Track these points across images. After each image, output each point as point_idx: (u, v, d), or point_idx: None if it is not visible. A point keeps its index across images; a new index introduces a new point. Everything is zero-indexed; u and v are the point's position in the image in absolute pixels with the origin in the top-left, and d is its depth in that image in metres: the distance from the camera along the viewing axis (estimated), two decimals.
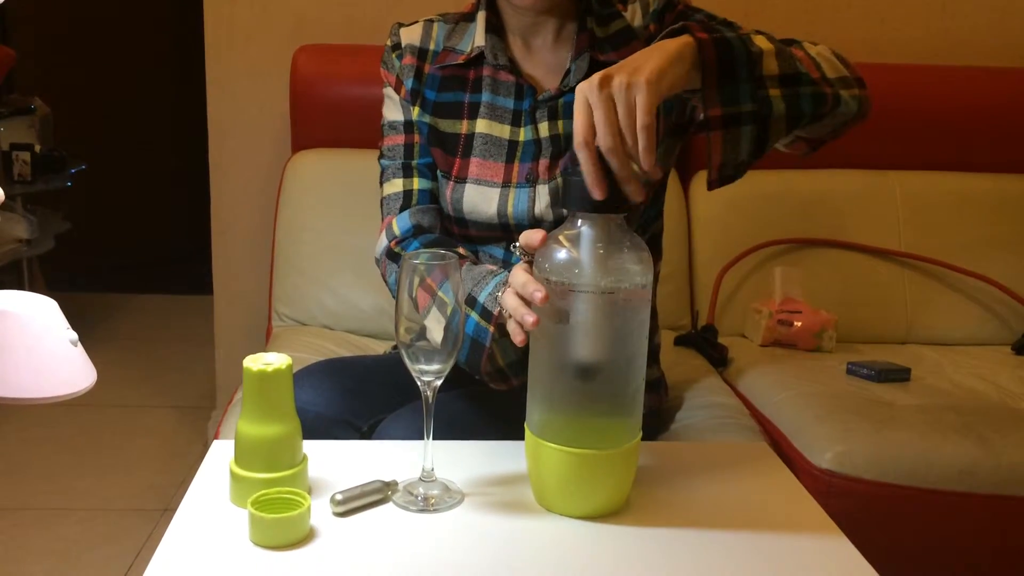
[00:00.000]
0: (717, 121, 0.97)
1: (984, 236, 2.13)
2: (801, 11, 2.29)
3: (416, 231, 1.29)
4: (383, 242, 1.31)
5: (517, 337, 0.98)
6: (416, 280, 0.92)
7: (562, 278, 0.93)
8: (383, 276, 1.33)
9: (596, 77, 0.92)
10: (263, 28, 2.24)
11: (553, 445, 0.95)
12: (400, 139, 1.32)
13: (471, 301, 1.12)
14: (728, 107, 0.97)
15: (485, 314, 1.11)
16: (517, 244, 0.98)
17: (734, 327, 2.07)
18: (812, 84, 1.04)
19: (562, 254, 0.94)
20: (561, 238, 0.95)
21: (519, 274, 0.96)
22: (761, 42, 1.02)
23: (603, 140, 0.90)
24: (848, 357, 1.90)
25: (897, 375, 1.82)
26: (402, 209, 1.30)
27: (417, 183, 1.31)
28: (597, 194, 0.91)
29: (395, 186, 1.31)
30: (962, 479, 1.51)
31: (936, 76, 2.22)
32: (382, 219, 1.33)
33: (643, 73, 0.92)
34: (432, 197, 1.31)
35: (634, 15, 1.29)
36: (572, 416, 0.96)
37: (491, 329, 1.10)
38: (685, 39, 0.97)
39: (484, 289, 1.12)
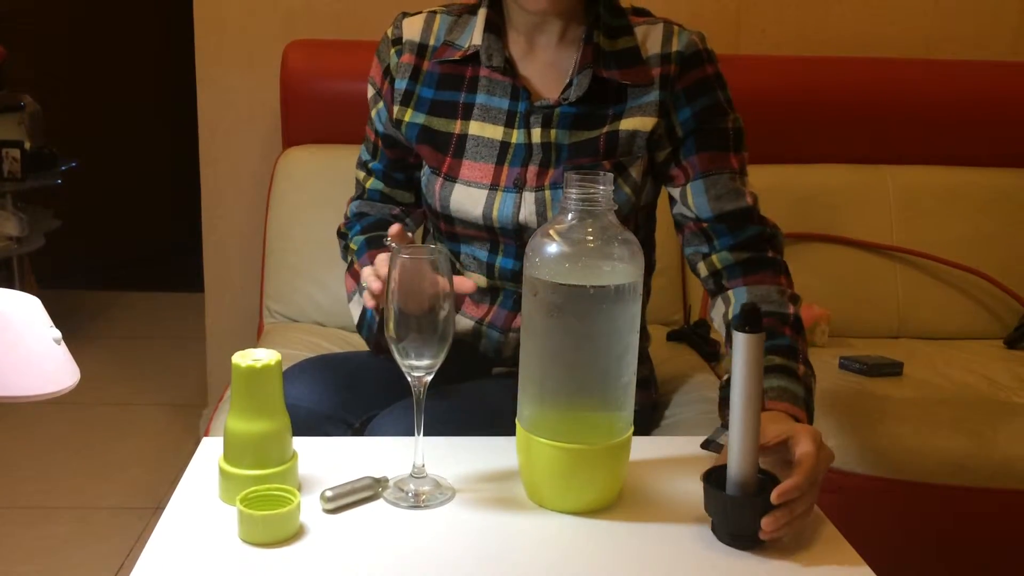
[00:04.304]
0: None
1: (976, 230, 2.13)
2: (793, 6, 2.29)
3: (358, 218, 1.39)
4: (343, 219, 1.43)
5: (369, 303, 1.08)
6: (398, 271, 0.91)
7: (552, 272, 0.92)
8: (342, 254, 1.43)
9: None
10: (253, 23, 2.23)
11: (544, 440, 0.94)
12: (372, 135, 1.38)
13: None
14: None
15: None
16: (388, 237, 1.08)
17: None
18: None
19: (552, 248, 0.93)
20: (552, 232, 0.94)
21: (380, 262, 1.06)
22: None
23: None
24: (840, 351, 1.90)
25: (889, 369, 1.82)
26: (357, 197, 1.43)
27: (369, 182, 1.40)
28: None
29: (358, 175, 1.42)
30: (955, 473, 1.51)
31: (928, 70, 2.22)
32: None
33: None
34: (382, 196, 1.40)
35: (647, 38, 1.24)
36: (563, 411, 0.95)
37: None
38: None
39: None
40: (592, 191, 0.93)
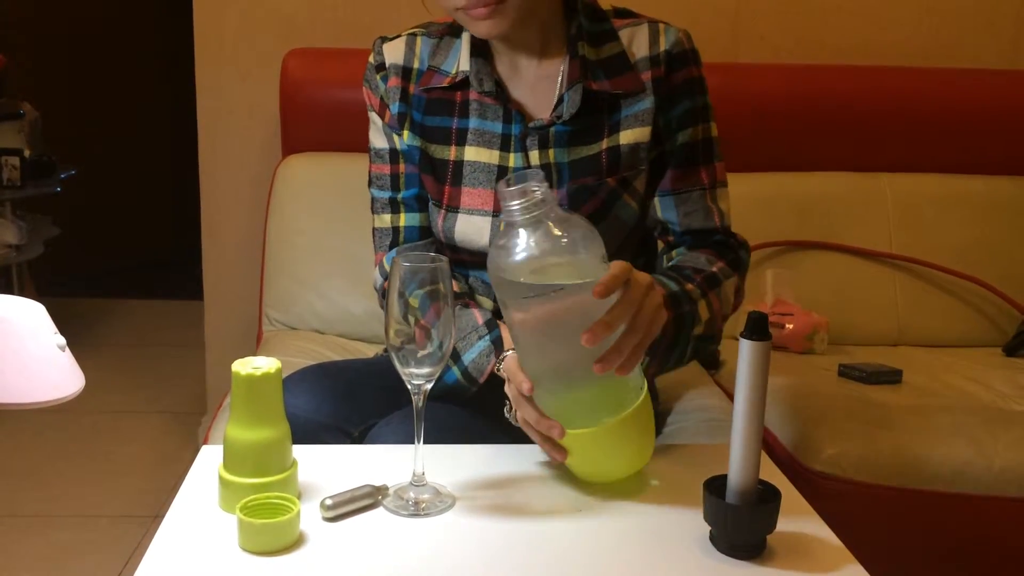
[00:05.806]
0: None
1: (974, 238, 2.14)
2: (792, 14, 2.29)
3: None
4: (378, 279, 1.31)
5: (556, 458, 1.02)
6: (403, 283, 0.92)
7: (514, 291, 0.94)
8: (381, 307, 1.32)
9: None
10: (253, 32, 2.24)
11: (570, 431, 0.98)
12: (386, 168, 1.29)
13: (454, 355, 1.17)
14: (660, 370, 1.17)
15: (468, 377, 1.17)
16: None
17: (726, 329, 2.07)
18: (712, 341, 1.22)
19: (506, 263, 0.94)
20: (498, 249, 0.95)
21: (530, 411, 1.01)
22: (703, 310, 1.16)
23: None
24: (840, 359, 1.90)
25: (889, 377, 1.82)
26: (391, 246, 1.29)
27: (404, 219, 1.29)
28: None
29: (384, 221, 1.30)
30: (954, 480, 1.51)
31: (926, 78, 2.22)
32: (375, 250, 1.32)
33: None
34: (421, 232, 1.29)
35: (633, 42, 1.22)
36: (572, 401, 0.99)
37: (474, 389, 1.18)
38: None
39: (468, 351, 1.17)
40: (532, 197, 0.92)
